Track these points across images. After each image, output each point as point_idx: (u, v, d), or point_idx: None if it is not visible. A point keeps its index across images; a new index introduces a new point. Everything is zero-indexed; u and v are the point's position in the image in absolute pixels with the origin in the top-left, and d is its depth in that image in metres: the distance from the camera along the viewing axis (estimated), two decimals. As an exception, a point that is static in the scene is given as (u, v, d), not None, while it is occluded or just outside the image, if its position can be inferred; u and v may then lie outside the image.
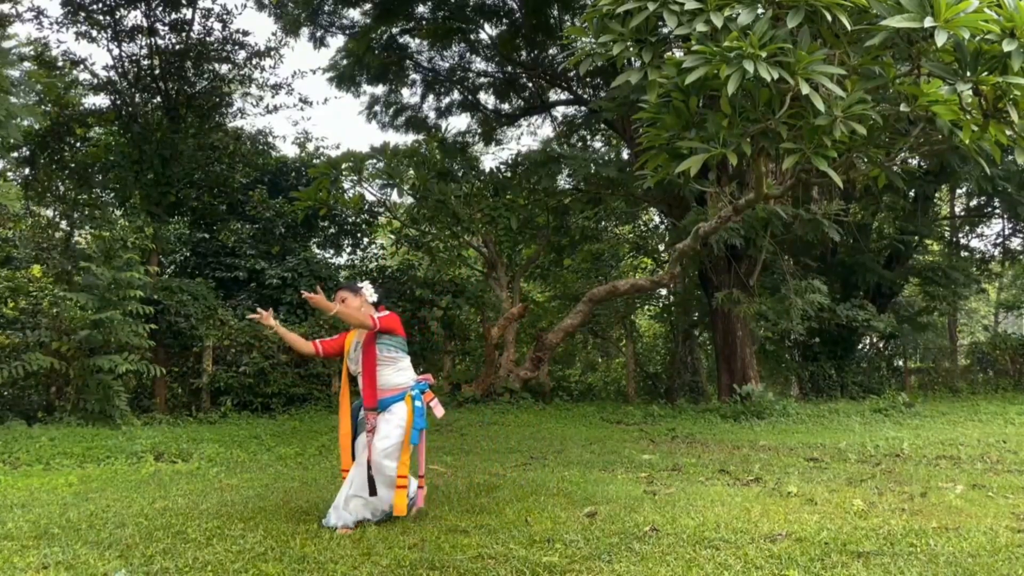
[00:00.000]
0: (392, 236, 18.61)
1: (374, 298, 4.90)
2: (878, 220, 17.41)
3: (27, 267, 12.92)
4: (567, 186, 14.79)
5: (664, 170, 5.42)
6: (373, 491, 4.52)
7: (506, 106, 18.75)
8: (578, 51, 4.98)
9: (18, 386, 11.29)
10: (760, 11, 4.32)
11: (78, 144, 16.10)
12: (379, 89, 18.10)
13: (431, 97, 18.39)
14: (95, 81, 15.49)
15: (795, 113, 4.55)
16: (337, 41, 24.57)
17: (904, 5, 4.05)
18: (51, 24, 14.91)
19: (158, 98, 15.63)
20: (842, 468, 7.00)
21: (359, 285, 4.96)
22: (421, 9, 16.26)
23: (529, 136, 45.92)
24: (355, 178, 12.99)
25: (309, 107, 35.07)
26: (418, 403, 4.72)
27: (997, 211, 18.22)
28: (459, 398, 13.57)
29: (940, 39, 3.93)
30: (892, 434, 9.84)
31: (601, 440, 9.57)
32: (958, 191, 19.52)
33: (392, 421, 4.63)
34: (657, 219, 19.26)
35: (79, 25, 14.99)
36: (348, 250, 18.64)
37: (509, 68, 17.75)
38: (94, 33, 15.11)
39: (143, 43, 15.35)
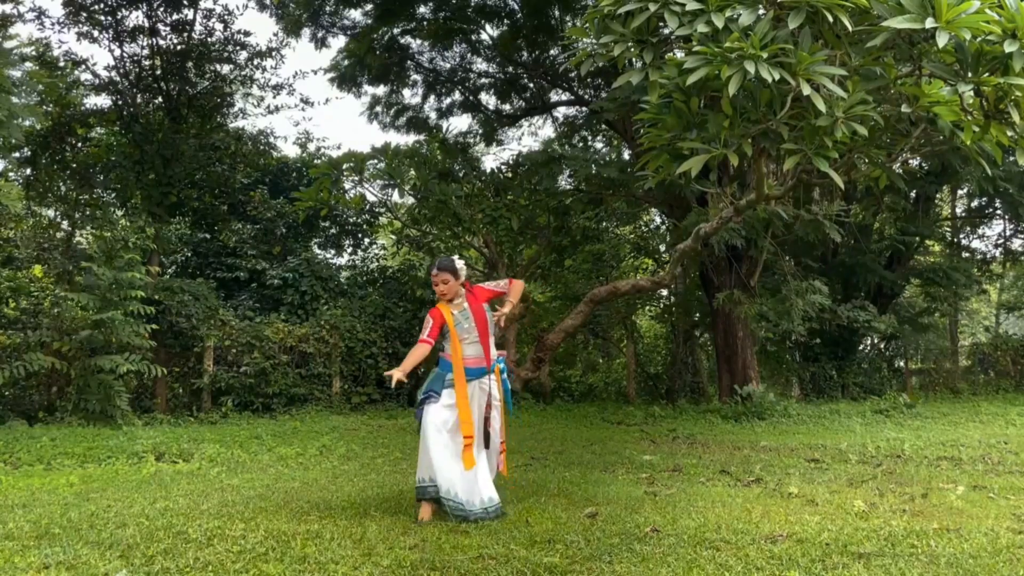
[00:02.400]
0: (393, 236, 18.61)
1: (464, 275, 5.05)
2: (879, 221, 17.39)
3: (28, 267, 12.92)
4: (568, 187, 14.79)
5: (665, 171, 5.42)
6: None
7: (507, 107, 18.73)
8: (579, 52, 4.97)
9: (19, 386, 11.30)
10: (761, 12, 4.32)
11: (79, 144, 16.10)
12: (380, 89, 18.09)
13: (432, 98, 18.37)
14: (96, 81, 15.51)
15: (796, 114, 4.54)
16: (338, 41, 24.52)
17: (905, 6, 4.05)
18: (52, 24, 14.94)
19: (159, 98, 15.64)
20: (843, 469, 7.00)
21: (457, 265, 4.97)
22: (422, 10, 16.25)
23: (530, 136, 45.88)
24: (356, 178, 12.98)
25: (310, 107, 35.12)
26: (504, 375, 5.06)
27: (998, 212, 18.23)
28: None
29: (941, 40, 3.93)
30: (893, 435, 9.84)
31: (602, 441, 9.58)
32: (959, 192, 19.53)
33: (496, 407, 4.93)
34: (658, 220, 19.25)
35: (80, 25, 15.01)
36: (349, 250, 18.69)
37: (510, 69, 17.73)
38: (95, 33, 15.12)
39: (144, 43, 15.37)
